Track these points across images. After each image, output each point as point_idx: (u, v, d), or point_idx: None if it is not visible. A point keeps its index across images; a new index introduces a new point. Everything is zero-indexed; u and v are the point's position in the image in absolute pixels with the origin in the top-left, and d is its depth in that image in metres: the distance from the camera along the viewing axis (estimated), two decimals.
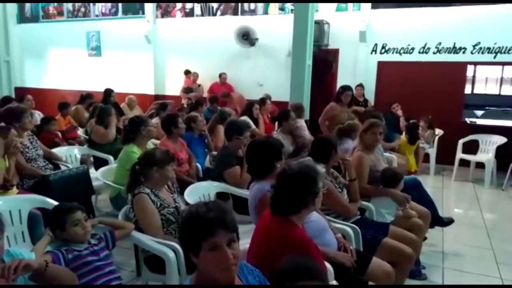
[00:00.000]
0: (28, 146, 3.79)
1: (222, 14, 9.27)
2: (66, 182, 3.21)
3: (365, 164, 3.21)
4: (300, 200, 1.71)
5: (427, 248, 3.63)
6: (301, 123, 5.27)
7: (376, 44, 8.10)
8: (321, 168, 1.84)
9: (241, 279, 1.42)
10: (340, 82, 8.52)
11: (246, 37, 8.89)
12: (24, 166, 3.50)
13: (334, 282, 1.92)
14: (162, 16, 9.79)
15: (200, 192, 3.04)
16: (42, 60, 11.10)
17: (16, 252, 1.64)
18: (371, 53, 8.17)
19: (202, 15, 9.44)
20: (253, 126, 4.97)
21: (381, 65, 8.11)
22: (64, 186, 3.15)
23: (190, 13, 9.55)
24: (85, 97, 6.92)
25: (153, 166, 2.48)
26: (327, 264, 2.03)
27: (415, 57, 7.67)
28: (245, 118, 5.45)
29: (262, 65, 8.91)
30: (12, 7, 10.72)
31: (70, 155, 4.37)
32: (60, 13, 10.87)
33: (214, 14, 9.35)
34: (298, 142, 4.73)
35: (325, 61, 8.88)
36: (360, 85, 8.04)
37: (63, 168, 3.86)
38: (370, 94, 8.17)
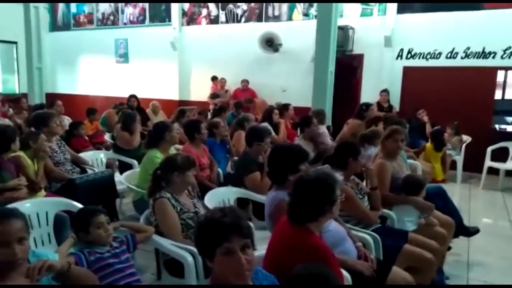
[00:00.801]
0: (56, 150, 3.92)
1: (247, 21, 9.35)
2: (92, 186, 3.31)
3: (386, 172, 3.17)
4: (317, 208, 1.71)
5: (451, 258, 3.54)
6: (323, 129, 5.24)
7: (401, 49, 7.99)
8: (339, 176, 1.82)
9: (255, 283, 1.43)
10: (365, 87, 8.47)
11: (270, 43, 8.93)
12: (52, 169, 3.62)
13: None
14: (188, 24, 9.97)
15: (220, 197, 3.07)
16: (72, 67, 11.50)
17: (41, 253, 1.71)
18: (397, 58, 8.05)
19: (227, 22, 9.56)
20: (273, 133, 4.98)
21: (407, 70, 7.99)
22: (90, 189, 3.25)
23: (215, 20, 9.68)
24: (118, 106, 7.12)
25: (174, 171, 2.54)
26: (345, 273, 2.02)
27: (442, 62, 7.51)
28: (265, 124, 5.47)
29: (285, 71, 8.92)
30: (45, 16, 11.16)
31: (96, 159, 4.50)
32: (90, 21, 11.24)
33: (239, 21, 9.45)
34: (320, 148, 4.70)
35: (349, 67, 8.81)
36: (385, 91, 7.94)
37: (89, 172, 3.97)
38: (395, 100, 8.05)
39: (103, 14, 11.04)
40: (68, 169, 3.88)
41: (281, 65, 8.99)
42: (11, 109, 6.69)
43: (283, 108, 6.33)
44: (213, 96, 8.93)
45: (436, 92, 7.47)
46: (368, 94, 8.28)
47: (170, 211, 2.42)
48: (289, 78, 8.83)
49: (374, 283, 2.15)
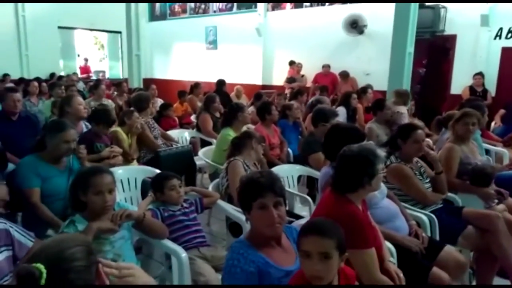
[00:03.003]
0: (153, 126, 4.49)
1: (331, 3, 9.27)
2: (173, 158, 3.79)
3: (454, 156, 3.10)
4: (357, 180, 1.83)
5: None
6: (404, 110, 5.10)
7: (501, 29, 7.33)
8: (381, 152, 1.92)
9: (289, 238, 1.65)
10: (457, 70, 7.97)
11: (355, 25, 8.79)
12: (152, 141, 4.15)
13: (393, 260, 2.00)
14: (273, 9, 10.18)
15: (283, 173, 3.23)
16: (167, 54, 12.51)
17: (124, 205, 2.11)
18: (495, 38, 7.41)
19: (311, 5, 9.58)
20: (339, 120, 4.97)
21: (506, 51, 7.32)
22: (171, 161, 3.72)
23: (299, 5, 9.75)
24: (193, 87, 7.61)
25: (252, 138, 2.91)
26: (389, 245, 2.13)
27: None
28: (341, 108, 5.50)
29: (369, 53, 8.71)
30: (144, 7, 12.28)
31: (181, 137, 5.02)
32: (184, 11, 12.07)
33: (323, 4, 9.40)
34: (394, 131, 4.62)
35: (441, 48, 8.32)
36: (480, 74, 7.37)
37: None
38: (491, 84, 7.44)
39: (195, 3, 11.76)
40: (160, 144, 4.41)
41: (365, 48, 8.81)
42: (115, 92, 7.61)
43: (362, 91, 6.27)
44: (290, 80, 9.11)
45: None
46: (460, 77, 7.78)
47: (242, 172, 2.72)
48: (373, 61, 8.59)
49: (422, 259, 2.21)
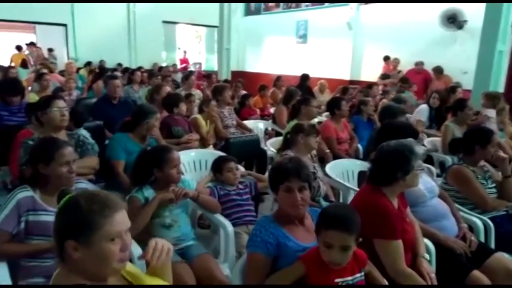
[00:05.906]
0: (226, 116, 4.88)
1: None
2: (241, 145, 4.10)
3: None
4: (391, 174, 1.89)
5: None
6: (492, 114, 4.77)
7: None
8: (419, 149, 1.94)
9: (314, 220, 1.78)
10: None
11: (452, 20, 8.24)
12: (220, 130, 4.54)
13: (427, 257, 2.00)
14: (366, 2, 9.94)
15: (342, 168, 3.33)
16: (259, 47, 12.95)
17: (185, 179, 2.42)
18: None
19: None
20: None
21: None
22: (239, 147, 4.04)
23: None
24: (276, 80, 7.84)
25: (300, 133, 3.01)
26: (428, 242, 2.14)
27: None
28: (424, 106, 5.32)
29: (469, 50, 8.05)
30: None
31: (256, 127, 5.31)
32: (278, 5, 12.36)
33: None
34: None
35: None
36: None
37: None
38: None
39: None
40: (232, 132, 4.78)
41: (464, 44, 8.18)
42: (206, 83, 8.20)
43: (451, 90, 5.93)
44: (384, 76, 8.81)
45: None
46: None
47: None
48: (473, 58, 7.90)
49: (466, 262, 2.17)
